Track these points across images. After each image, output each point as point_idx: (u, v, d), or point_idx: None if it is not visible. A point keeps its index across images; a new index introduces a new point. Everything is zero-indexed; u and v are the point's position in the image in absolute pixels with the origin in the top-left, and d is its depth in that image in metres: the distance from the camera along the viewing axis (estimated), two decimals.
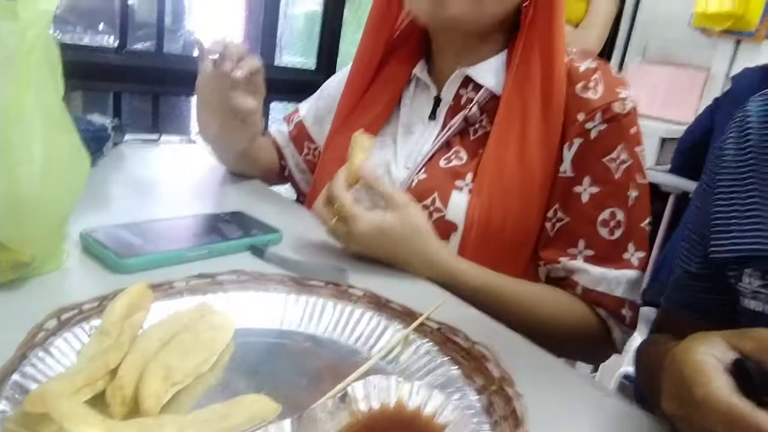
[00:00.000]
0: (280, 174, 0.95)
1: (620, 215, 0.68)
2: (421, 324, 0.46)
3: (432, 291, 0.61)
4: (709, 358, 0.37)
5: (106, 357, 0.35)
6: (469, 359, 0.42)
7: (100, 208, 0.69)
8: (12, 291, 0.46)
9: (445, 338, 0.44)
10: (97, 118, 0.87)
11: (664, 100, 2.29)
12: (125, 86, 1.46)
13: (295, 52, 2.84)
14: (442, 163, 0.72)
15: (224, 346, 0.41)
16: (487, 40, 0.74)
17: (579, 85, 0.69)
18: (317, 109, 0.91)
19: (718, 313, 0.57)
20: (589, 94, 0.68)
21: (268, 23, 1.90)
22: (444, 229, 0.68)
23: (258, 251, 0.62)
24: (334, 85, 0.88)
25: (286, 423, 0.32)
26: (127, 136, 1.02)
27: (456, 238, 0.69)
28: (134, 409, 0.33)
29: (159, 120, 1.52)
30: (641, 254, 0.70)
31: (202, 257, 0.58)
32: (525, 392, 0.37)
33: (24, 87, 0.42)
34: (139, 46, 2.18)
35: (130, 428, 0.30)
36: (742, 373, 0.36)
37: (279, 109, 2.08)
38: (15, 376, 0.33)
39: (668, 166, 1.82)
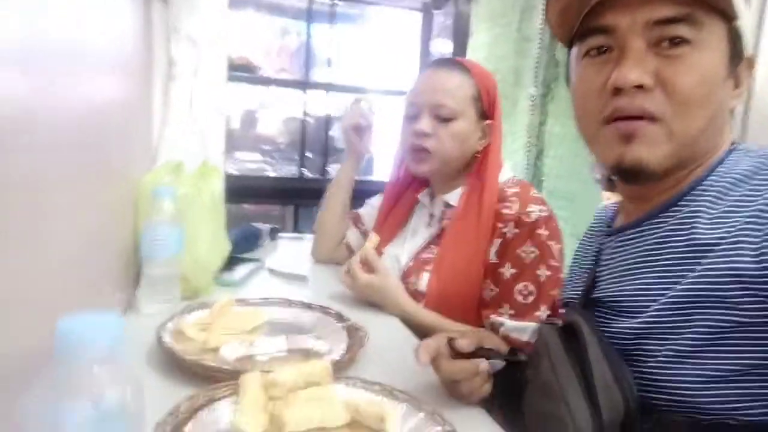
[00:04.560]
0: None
1: (532, 287, 1.04)
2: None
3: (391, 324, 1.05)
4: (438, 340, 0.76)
5: None
6: None
7: None
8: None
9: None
10: (259, 225, 1.52)
11: None
12: (300, 201, 2.18)
13: None
14: (422, 255, 1.18)
15: None
16: (457, 177, 1.19)
17: (501, 204, 1.10)
18: (366, 211, 1.42)
19: None
20: (506, 210, 1.08)
21: None
22: (417, 295, 1.12)
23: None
24: (374, 201, 1.41)
25: None
26: (281, 234, 1.67)
27: (423, 301, 1.12)
28: None
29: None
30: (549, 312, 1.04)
31: None
32: None
33: (200, 216, 1.04)
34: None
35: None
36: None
37: None
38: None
39: None
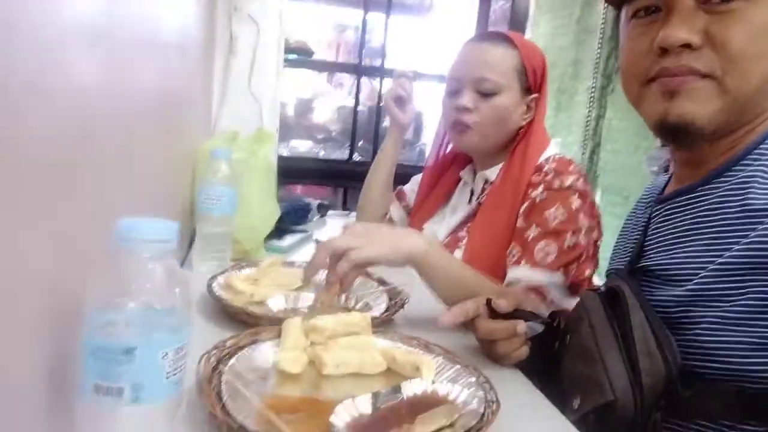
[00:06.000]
0: None
1: (553, 247, 0.98)
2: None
3: None
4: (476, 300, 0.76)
5: None
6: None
7: None
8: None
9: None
10: (309, 200, 1.56)
11: None
12: (350, 183, 2.21)
13: None
14: (459, 232, 1.16)
15: None
16: (499, 153, 1.16)
17: (535, 174, 1.06)
18: (410, 188, 1.41)
19: None
20: (538, 178, 1.05)
21: None
22: None
23: None
24: (419, 177, 1.39)
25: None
26: (330, 211, 1.70)
27: None
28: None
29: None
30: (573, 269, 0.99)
31: None
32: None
33: (253, 179, 1.08)
34: None
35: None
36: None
37: None
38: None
39: None
